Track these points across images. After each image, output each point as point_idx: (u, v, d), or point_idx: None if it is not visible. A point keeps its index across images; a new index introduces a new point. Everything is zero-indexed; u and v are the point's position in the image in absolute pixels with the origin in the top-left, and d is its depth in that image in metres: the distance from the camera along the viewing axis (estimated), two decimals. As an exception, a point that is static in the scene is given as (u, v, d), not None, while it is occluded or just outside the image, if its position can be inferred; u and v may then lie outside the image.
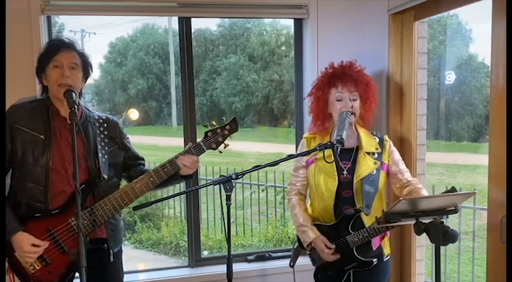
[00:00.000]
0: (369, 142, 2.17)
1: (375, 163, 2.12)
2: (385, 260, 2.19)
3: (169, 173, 1.93)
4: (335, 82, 2.13)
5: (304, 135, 2.31)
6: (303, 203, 2.26)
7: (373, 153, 2.14)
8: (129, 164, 2.11)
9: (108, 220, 1.94)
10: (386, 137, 2.24)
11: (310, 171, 2.19)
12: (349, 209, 2.09)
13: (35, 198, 1.87)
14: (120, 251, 2.11)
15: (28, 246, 1.81)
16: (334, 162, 2.08)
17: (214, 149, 1.97)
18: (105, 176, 1.94)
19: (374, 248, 2.12)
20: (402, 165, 2.22)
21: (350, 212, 2.08)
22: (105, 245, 1.97)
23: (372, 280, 2.17)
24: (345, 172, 2.11)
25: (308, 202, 2.31)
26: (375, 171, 2.11)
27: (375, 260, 2.10)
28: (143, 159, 2.17)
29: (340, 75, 2.14)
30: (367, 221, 2.06)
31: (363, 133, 2.19)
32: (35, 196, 1.87)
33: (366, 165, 2.10)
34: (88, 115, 2.02)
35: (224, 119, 1.98)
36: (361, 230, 2.05)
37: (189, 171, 1.96)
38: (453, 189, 1.78)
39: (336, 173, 2.11)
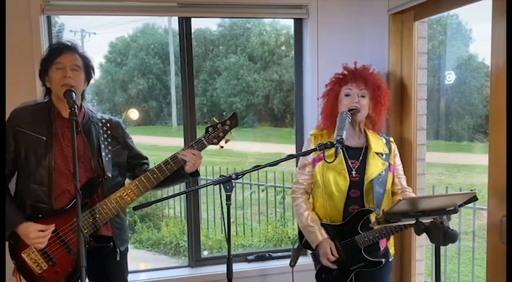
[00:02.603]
0: (377, 143, 2.18)
1: (384, 164, 2.13)
2: (390, 260, 2.20)
3: (172, 169, 1.94)
4: (346, 80, 2.16)
5: (310, 132, 2.29)
6: (309, 202, 2.24)
7: (382, 154, 2.15)
8: (133, 163, 2.12)
9: (114, 218, 1.96)
10: (391, 139, 2.26)
11: (317, 169, 2.18)
12: (358, 209, 2.08)
13: (39, 199, 1.88)
14: (127, 250, 2.12)
15: (34, 232, 1.82)
16: (343, 161, 2.10)
17: (216, 144, 1.98)
18: (109, 175, 1.95)
19: (382, 248, 2.12)
20: (401, 171, 2.24)
21: (360, 212, 2.08)
22: (111, 243, 1.98)
23: (375, 280, 2.17)
24: (353, 172, 2.11)
25: (310, 200, 2.29)
26: (383, 171, 2.12)
27: (383, 260, 2.10)
28: (147, 159, 2.18)
29: (351, 75, 2.17)
30: None
31: (371, 134, 2.20)
32: (39, 197, 1.88)
33: (375, 166, 2.11)
34: (91, 116, 2.04)
35: (224, 114, 1.99)
36: (372, 231, 2.04)
37: (192, 167, 1.96)
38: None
39: (347, 172, 2.10)
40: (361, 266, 2.10)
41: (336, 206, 2.12)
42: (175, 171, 1.96)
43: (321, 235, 2.11)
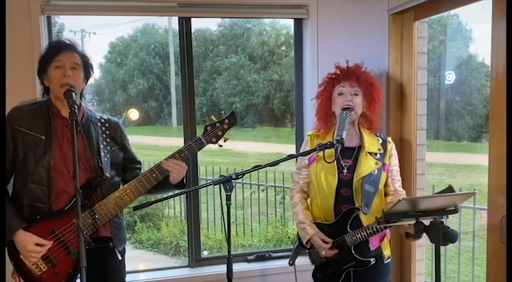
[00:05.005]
0: (371, 142, 2.17)
1: (377, 163, 2.13)
2: (385, 262, 2.18)
3: (158, 178, 1.91)
4: (338, 79, 2.17)
5: (308, 133, 2.31)
6: (305, 200, 2.27)
7: (376, 154, 2.15)
8: (127, 166, 2.12)
9: (112, 219, 1.94)
10: (389, 139, 2.24)
11: (312, 169, 2.20)
12: (348, 208, 2.09)
13: (38, 199, 1.87)
14: (124, 250, 2.12)
15: (31, 245, 1.80)
16: (335, 160, 2.09)
17: (214, 143, 1.97)
18: (108, 175, 1.94)
19: (372, 248, 2.12)
20: (396, 173, 2.22)
21: (349, 211, 2.08)
22: (110, 243, 1.97)
23: (371, 281, 2.17)
24: (345, 170, 2.12)
25: (308, 200, 2.30)
26: (376, 171, 2.11)
27: (372, 259, 2.10)
28: (140, 164, 2.17)
29: (343, 73, 2.17)
30: (366, 220, 2.06)
31: (366, 133, 2.19)
32: (38, 197, 1.86)
33: (366, 165, 2.11)
34: (90, 115, 2.03)
35: (223, 113, 1.99)
36: (359, 229, 2.05)
37: (175, 178, 1.94)
38: (450, 188, 1.77)
39: (336, 171, 2.11)
40: (351, 265, 2.10)
41: (327, 205, 2.13)
42: (162, 180, 1.94)
43: (311, 230, 2.13)
